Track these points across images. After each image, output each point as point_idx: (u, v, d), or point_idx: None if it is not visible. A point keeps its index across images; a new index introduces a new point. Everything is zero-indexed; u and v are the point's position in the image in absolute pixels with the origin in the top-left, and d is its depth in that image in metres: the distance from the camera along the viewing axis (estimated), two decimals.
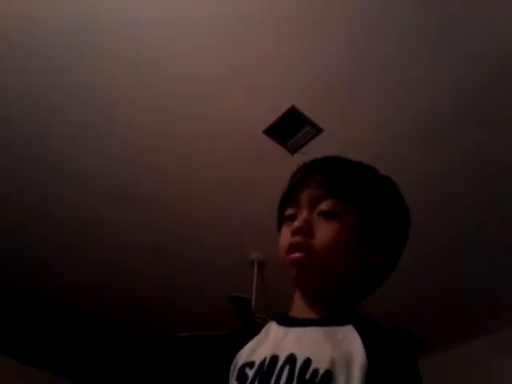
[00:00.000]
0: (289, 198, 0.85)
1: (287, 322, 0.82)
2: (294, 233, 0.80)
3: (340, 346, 0.72)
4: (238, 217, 2.41)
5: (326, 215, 0.80)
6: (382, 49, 1.84)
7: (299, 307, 0.83)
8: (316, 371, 0.69)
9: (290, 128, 2.10)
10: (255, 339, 0.84)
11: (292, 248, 0.79)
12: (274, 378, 0.72)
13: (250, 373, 0.76)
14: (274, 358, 0.74)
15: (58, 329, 3.28)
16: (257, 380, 0.74)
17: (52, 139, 2.21)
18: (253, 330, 0.85)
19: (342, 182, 0.83)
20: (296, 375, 0.70)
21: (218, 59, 1.90)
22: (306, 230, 0.79)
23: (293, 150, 2.20)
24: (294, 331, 0.78)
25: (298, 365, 0.70)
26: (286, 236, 0.83)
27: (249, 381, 0.75)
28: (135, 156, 2.26)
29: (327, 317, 0.79)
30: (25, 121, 2.14)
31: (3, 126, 2.16)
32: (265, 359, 0.75)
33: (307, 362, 0.70)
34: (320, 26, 1.79)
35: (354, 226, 0.81)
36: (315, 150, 2.18)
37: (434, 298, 2.80)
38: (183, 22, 1.81)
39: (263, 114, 2.08)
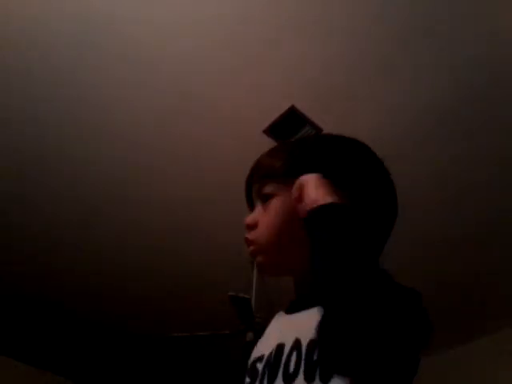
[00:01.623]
0: (246, 195, 0.90)
1: (289, 308, 0.81)
2: (246, 230, 0.83)
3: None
4: (238, 216, 2.40)
5: (264, 199, 0.82)
6: (382, 49, 1.84)
7: (294, 291, 0.83)
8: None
9: (290, 128, 2.10)
10: (265, 332, 0.83)
11: (246, 245, 0.83)
12: (281, 367, 0.69)
13: (260, 366, 0.74)
14: (281, 347, 0.72)
15: (57, 329, 3.29)
16: (266, 373, 0.72)
17: (52, 139, 2.21)
18: (257, 326, 0.84)
19: (270, 164, 0.83)
20: (303, 358, 0.67)
21: (217, 59, 1.91)
22: (250, 224, 0.82)
23: None
24: (294, 317, 0.76)
25: (304, 348, 0.68)
26: None
27: (259, 375, 0.73)
28: (135, 155, 2.26)
29: (313, 296, 0.73)
30: (24, 120, 2.14)
31: (3, 125, 2.16)
32: (272, 350, 0.73)
33: (311, 343, 0.67)
34: (320, 26, 1.79)
35: (284, 201, 0.79)
36: None
37: (433, 297, 2.79)
38: (183, 22, 1.81)
39: (263, 113, 2.08)
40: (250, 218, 0.83)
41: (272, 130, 2.12)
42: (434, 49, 1.82)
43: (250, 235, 0.82)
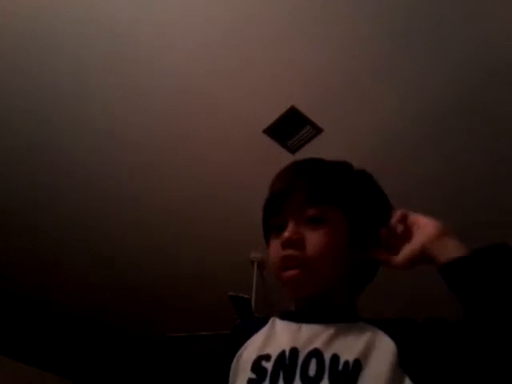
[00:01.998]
0: (273, 207, 0.85)
1: (294, 317, 0.82)
2: (285, 245, 0.80)
3: (360, 339, 0.75)
4: (238, 216, 2.41)
5: (313, 222, 0.80)
6: (382, 49, 1.84)
7: (298, 304, 0.84)
8: (347, 362, 0.72)
9: (290, 128, 2.10)
10: (261, 333, 0.84)
11: (285, 262, 0.80)
12: (298, 370, 0.73)
13: (268, 365, 0.76)
14: (295, 351, 0.75)
15: (57, 329, 3.29)
16: (281, 372, 0.74)
17: (52, 138, 2.21)
18: (246, 325, 0.86)
19: (324, 186, 0.83)
20: (327, 367, 0.72)
21: (218, 59, 1.91)
22: (296, 241, 0.79)
23: (293, 150, 2.20)
24: (308, 327, 0.79)
25: (327, 359, 0.72)
26: (276, 249, 0.83)
27: (269, 373, 0.75)
28: (135, 155, 2.26)
29: (333, 312, 0.81)
30: (24, 120, 2.14)
31: (3, 125, 2.16)
32: (283, 352, 0.75)
33: (335, 357, 0.72)
34: (320, 26, 1.79)
35: (342, 228, 0.82)
36: (315, 150, 2.19)
37: (433, 297, 2.80)
38: (183, 22, 1.81)
39: (263, 113, 2.08)
40: (292, 233, 0.80)
41: (272, 130, 2.12)
42: (433, 49, 1.82)
43: (298, 254, 0.79)
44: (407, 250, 0.80)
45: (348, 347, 0.73)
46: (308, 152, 2.20)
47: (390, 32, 1.79)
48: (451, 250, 0.75)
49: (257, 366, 0.77)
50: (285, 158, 2.21)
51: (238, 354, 0.81)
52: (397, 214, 0.82)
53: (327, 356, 0.73)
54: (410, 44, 1.82)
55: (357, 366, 0.71)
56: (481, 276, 0.70)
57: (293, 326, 0.81)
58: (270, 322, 0.86)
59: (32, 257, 2.80)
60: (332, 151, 2.23)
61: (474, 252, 0.72)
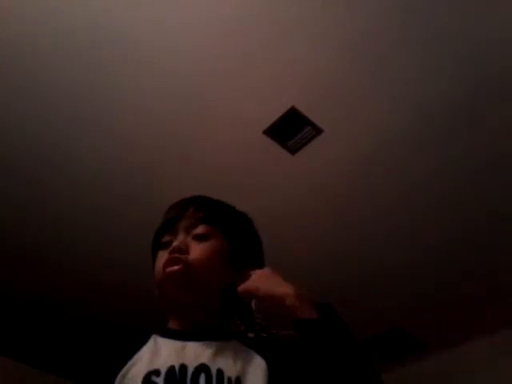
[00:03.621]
0: (167, 225, 0.99)
1: (176, 335, 0.92)
2: (172, 251, 0.92)
3: (238, 357, 0.85)
4: None
5: (199, 238, 0.94)
6: (382, 49, 1.84)
7: (176, 320, 0.96)
8: (230, 379, 0.81)
9: (290, 128, 2.10)
10: (144, 350, 0.91)
11: (168, 262, 0.90)
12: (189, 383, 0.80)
13: (159, 380, 0.81)
14: (183, 367, 0.82)
15: (57, 329, 3.29)
16: None
17: (51, 138, 2.21)
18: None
19: (210, 211, 0.99)
20: (215, 381, 0.81)
21: (217, 59, 1.91)
22: (183, 249, 0.92)
23: (293, 151, 2.20)
24: (192, 344, 0.88)
25: (214, 374, 0.81)
26: (163, 258, 0.94)
27: None
28: (134, 155, 2.26)
29: (211, 331, 0.91)
30: (24, 120, 2.14)
31: (3, 125, 2.17)
32: (173, 367, 0.82)
33: (220, 371, 0.82)
34: (320, 26, 1.79)
35: (223, 246, 0.96)
36: (315, 150, 2.19)
37: (434, 297, 2.80)
38: (183, 22, 1.81)
39: (263, 114, 2.08)
40: (180, 242, 0.93)
41: (272, 131, 2.12)
42: (433, 49, 1.82)
43: (184, 257, 0.90)
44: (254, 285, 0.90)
45: (229, 364, 0.83)
46: (308, 152, 2.20)
47: (390, 32, 1.79)
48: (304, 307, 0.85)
49: (147, 382, 0.82)
50: (285, 159, 2.22)
51: (122, 372, 0.87)
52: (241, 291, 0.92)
53: (213, 370, 0.82)
54: (410, 44, 1.82)
55: (238, 383, 0.81)
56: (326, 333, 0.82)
57: (177, 344, 0.89)
58: (152, 340, 0.94)
59: (32, 256, 2.80)
60: (332, 151, 2.25)
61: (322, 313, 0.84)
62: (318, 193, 2.35)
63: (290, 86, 1.98)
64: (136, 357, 0.90)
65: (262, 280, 0.90)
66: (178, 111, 2.08)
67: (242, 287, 0.91)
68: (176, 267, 0.89)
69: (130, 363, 0.88)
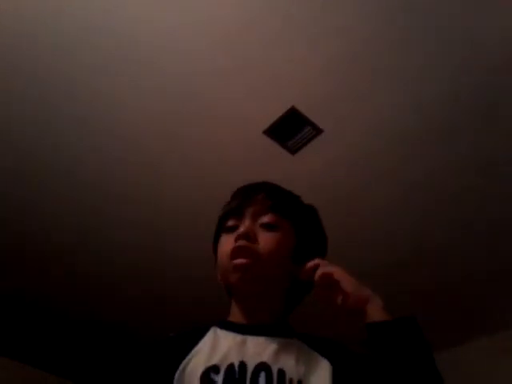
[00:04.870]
0: (234, 209, 0.95)
1: (237, 328, 0.87)
2: (239, 237, 0.87)
3: (301, 358, 0.81)
4: None
5: (268, 227, 0.90)
6: (382, 49, 1.84)
7: (238, 313, 0.91)
8: (291, 381, 0.77)
9: (290, 128, 2.10)
10: (204, 344, 0.86)
11: (237, 251, 0.86)
12: (248, 383, 0.76)
13: (218, 378, 0.77)
14: (243, 365, 0.79)
15: (57, 329, 3.29)
16: None
17: (51, 138, 2.21)
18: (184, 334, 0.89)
19: (281, 201, 0.94)
20: (275, 382, 0.76)
21: (217, 59, 1.91)
22: (251, 236, 0.87)
23: (293, 151, 2.20)
24: (252, 339, 0.84)
25: (275, 374, 0.77)
26: (228, 243, 0.90)
27: None
28: (134, 155, 2.27)
29: (274, 327, 0.87)
30: (24, 120, 2.14)
31: (3, 124, 2.17)
32: (232, 364, 0.79)
33: (281, 372, 0.78)
34: (320, 26, 1.79)
35: (290, 238, 0.91)
36: (315, 150, 2.19)
37: (434, 297, 2.80)
38: (183, 22, 1.81)
39: (263, 113, 2.08)
40: (248, 228, 0.88)
41: (272, 131, 2.12)
42: (433, 49, 1.82)
43: (251, 245, 0.86)
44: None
45: (291, 365, 0.79)
46: (308, 152, 2.20)
47: (391, 32, 1.79)
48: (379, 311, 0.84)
49: (206, 379, 0.78)
50: (285, 159, 2.22)
51: (182, 365, 0.82)
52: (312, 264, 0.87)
53: (274, 370, 0.78)
54: (410, 44, 1.82)
55: None
56: (397, 342, 0.80)
57: (237, 338, 0.85)
58: (211, 331, 0.90)
59: (32, 256, 2.80)
60: (332, 151, 2.25)
61: (395, 320, 0.83)
62: (318, 193, 2.35)
63: (290, 85, 1.98)
64: (196, 349, 0.85)
65: (345, 273, 0.85)
66: (178, 111, 2.08)
67: (326, 270, 0.84)
68: (245, 260, 0.85)
69: (187, 358, 0.83)
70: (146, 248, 2.70)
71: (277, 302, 0.90)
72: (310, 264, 0.86)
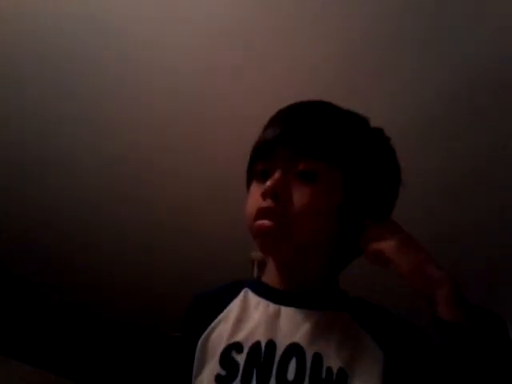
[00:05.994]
0: (263, 150, 0.75)
1: (272, 295, 0.72)
2: (265, 195, 0.69)
3: (345, 340, 0.65)
4: (238, 216, 2.40)
5: (304, 177, 0.70)
6: (382, 49, 1.84)
7: (275, 276, 0.74)
8: (330, 370, 0.62)
9: None
10: (232, 310, 0.72)
11: (260, 214, 0.69)
12: (275, 370, 0.63)
13: (240, 358, 0.65)
14: (272, 345, 0.65)
15: (57, 329, 3.29)
16: (254, 370, 0.63)
17: (52, 138, 2.22)
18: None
19: (326, 139, 0.72)
20: (308, 372, 0.62)
21: (217, 59, 1.91)
22: (279, 193, 0.68)
23: None
24: (288, 312, 0.68)
25: (309, 360, 0.63)
26: (255, 197, 0.72)
27: (241, 370, 0.64)
28: (134, 155, 2.27)
29: (317, 295, 0.71)
30: (25, 118, 2.14)
31: (3, 124, 2.17)
32: (258, 343, 0.65)
33: (317, 357, 0.63)
34: (320, 25, 1.79)
35: (336, 192, 0.70)
36: None
37: None
38: (183, 22, 1.81)
39: (263, 114, 2.07)
40: (275, 183, 0.68)
41: None
42: (433, 48, 1.82)
43: (278, 208, 0.67)
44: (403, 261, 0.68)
45: (332, 348, 0.64)
46: None
47: (391, 32, 1.79)
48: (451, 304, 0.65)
49: (226, 359, 0.65)
50: None
51: (205, 334, 0.70)
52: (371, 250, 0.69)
53: (309, 355, 0.63)
54: (410, 44, 1.82)
55: (341, 377, 0.61)
56: (474, 345, 0.61)
57: (270, 307, 0.70)
58: (242, 294, 0.74)
59: (32, 256, 2.80)
60: None
61: (473, 320, 0.64)
62: None
63: (290, 85, 1.98)
64: (222, 315, 0.71)
65: (405, 246, 0.69)
66: (178, 110, 2.08)
67: (374, 247, 0.67)
68: (267, 224, 0.67)
69: (211, 325, 0.70)
70: (145, 246, 2.70)
71: (319, 267, 0.73)
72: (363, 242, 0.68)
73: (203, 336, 0.69)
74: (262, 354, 0.64)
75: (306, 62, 1.90)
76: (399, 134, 2.26)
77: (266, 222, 0.67)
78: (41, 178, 2.37)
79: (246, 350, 0.65)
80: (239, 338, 0.67)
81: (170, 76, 1.97)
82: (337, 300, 0.72)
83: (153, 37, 1.85)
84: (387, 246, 0.67)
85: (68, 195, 2.45)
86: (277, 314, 0.68)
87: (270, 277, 0.75)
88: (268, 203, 0.68)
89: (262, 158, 0.75)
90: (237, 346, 0.66)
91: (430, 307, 0.65)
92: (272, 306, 0.70)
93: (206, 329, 0.70)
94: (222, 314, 0.71)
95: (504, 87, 1.91)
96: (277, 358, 0.63)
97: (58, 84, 2.01)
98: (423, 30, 1.78)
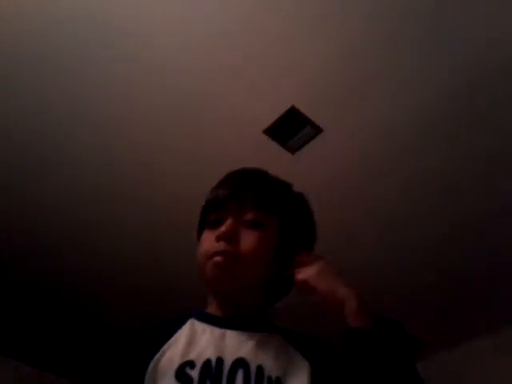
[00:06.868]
0: (217, 203, 0.90)
1: (216, 321, 0.85)
2: (219, 238, 0.84)
3: (280, 355, 0.79)
4: None
5: (252, 225, 0.86)
6: (382, 49, 1.84)
7: (217, 307, 0.88)
8: (270, 379, 0.75)
9: (290, 128, 2.10)
10: (180, 336, 0.83)
11: (217, 255, 0.84)
12: (225, 380, 0.74)
13: (194, 373, 0.75)
14: (220, 360, 0.76)
15: (57, 328, 3.29)
16: (207, 382, 0.74)
17: (51, 136, 2.21)
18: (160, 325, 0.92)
19: (269, 195, 0.89)
20: (254, 381, 0.74)
21: (217, 59, 1.91)
22: (232, 237, 0.84)
23: (293, 150, 2.20)
24: (232, 334, 0.81)
25: (253, 371, 0.75)
26: (209, 241, 0.87)
27: (195, 382, 0.74)
28: (135, 154, 2.26)
29: (254, 321, 0.85)
30: (25, 118, 2.14)
31: (3, 124, 2.17)
32: (209, 360, 0.76)
33: (260, 369, 0.76)
34: (320, 25, 1.79)
35: (275, 237, 0.87)
36: (315, 150, 2.19)
37: (434, 297, 2.80)
38: (183, 21, 1.81)
39: (263, 114, 2.08)
40: (230, 228, 0.84)
41: (272, 130, 2.12)
42: (433, 48, 1.82)
43: (231, 249, 0.83)
44: (319, 283, 0.82)
45: (271, 361, 0.77)
46: (308, 152, 2.20)
47: (391, 31, 1.79)
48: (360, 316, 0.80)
49: (181, 374, 0.75)
50: (285, 158, 2.22)
51: (156, 358, 0.79)
52: (299, 279, 0.84)
53: (253, 367, 0.76)
54: (411, 44, 1.82)
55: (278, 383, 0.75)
56: (379, 349, 0.76)
57: (216, 331, 0.82)
58: (189, 323, 0.87)
59: (32, 255, 2.80)
60: (332, 151, 2.25)
61: (377, 326, 0.79)
62: (318, 193, 2.35)
63: (290, 85, 1.98)
64: (171, 341, 0.82)
65: (322, 274, 0.82)
66: (178, 110, 2.08)
67: (300, 278, 0.82)
68: (222, 263, 0.82)
69: (161, 350, 0.80)
70: (145, 246, 2.70)
71: (256, 297, 0.88)
72: (298, 276, 0.85)
73: (154, 359, 0.78)
74: (212, 369, 0.75)
75: (306, 62, 1.90)
76: (399, 134, 2.28)
77: (220, 258, 0.83)
78: (41, 178, 2.37)
79: (198, 366, 0.76)
80: (191, 357, 0.78)
81: (170, 76, 1.97)
82: (269, 325, 0.87)
83: (153, 37, 1.85)
84: (309, 276, 0.82)
85: (68, 195, 2.45)
86: (222, 336, 0.81)
87: (212, 308, 0.89)
88: (222, 245, 0.84)
89: (217, 209, 0.90)
90: (190, 364, 0.77)
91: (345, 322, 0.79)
92: (217, 330, 0.82)
93: (156, 353, 0.79)
94: (170, 340, 0.82)
95: (504, 87, 1.91)
96: (225, 371, 0.75)
97: (58, 84, 2.01)
98: (423, 30, 1.78)
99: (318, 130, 2.11)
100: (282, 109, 2.04)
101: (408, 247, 2.53)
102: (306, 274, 0.82)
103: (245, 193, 0.89)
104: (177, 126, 2.14)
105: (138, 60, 1.92)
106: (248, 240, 0.84)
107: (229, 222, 0.85)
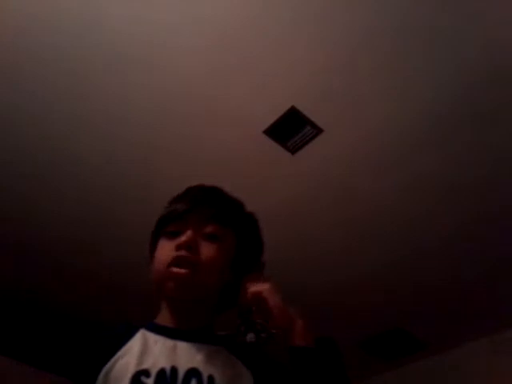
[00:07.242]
0: (176, 215, 0.94)
1: (165, 332, 0.89)
2: (180, 247, 0.88)
3: (227, 365, 0.85)
4: None
5: (210, 237, 0.91)
6: (382, 49, 1.84)
7: (169, 317, 0.92)
8: None
9: (290, 128, 2.10)
10: (132, 346, 0.86)
11: (177, 261, 0.87)
12: None
13: (149, 381, 0.79)
14: (174, 370, 0.81)
15: (58, 328, 3.29)
16: None
17: (50, 137, 2.21)
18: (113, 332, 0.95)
19: (226, 211, 0.95)
20: None
21: (218, 59, 1.91)
22: (192, 246, 0.88)
23: (293, 150, 2.20)
24: (183, 345, 0.86)
25: (205, 380, 0.81)
26: (167, 249, 0.90)
27: None
28: (135, 155, 2.26)
29: (203, 333, 0.90)
30: (25, 119, 2.14)
31: (3, 124, 2.17)
32: (163, 369, 0.80)
33: (211, 378, 0.81)
34: (320, 25, 1.79)
35: (231, 249, 0.93)
36: (315, 150, 2.19)
37: (433, 297, 2.80)
38: (184, 22, 1.81)
39: (263, 113, 2.08)
40: (191, 238, 0.88)
41: (272, 131, 2.12)
42: (433, 49, 1.82)
43: (192, 257, 0.87)
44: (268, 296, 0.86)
45: (219, 371, 0.83)
46: (308, 152, 2.20)
47: (391, 32, 1.79)
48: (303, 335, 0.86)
49: (137, 382, 0.79)
50: (285, 159, 2.22)
51: (108, 365, 0.82)
52: (252, 291, 0.88)
53: (205, 376, 0.81)
54: (410, 44, 1.82)
55: None
56: (318, 363, 0.83)
57: (167, 342, 0.86)
58: (140, 333, 0.90)
59: (32, 255, 2.80)
60: (332, 151, 2.25)
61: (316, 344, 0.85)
62: (318, 193, 2.35)
63: (290, 85, 1.98)
64: (123, 350, 0.85)
65: (274, 291, 0.87)
66: (178, 111, 2.08)
67: (254, 289, 0.87)
68: (183, 270, 0.86)
69: (116, 356, 0.83)
70: (145, 246, 2.70)
71: (208, 309, 0.93)
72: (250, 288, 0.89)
73: (106, 367, 0.82)
74: (167, 377, 0.80)
75: (306, 63, 1.90)
76: (399, 134, 2.28)
77: (182, 269, 0.86)
78: (41, 177, 2.37)
79: (153, 375, 0.80)
80: (146, 366, 0.81)
81: (171, 76, 1.97)
82: (215, 338, 0.92)
83: (153, 37, 1.85)
84: (264, 288, 0.87)
85: (68, 195, 2.45)
86: (174, 347, 0.85)
87: (164, 318, 0.93)
88: (183, 252, 0.87)
89: (176, 221, 0.93)
90: (145, 372, 0.80)
91: (286, 339, 0.85)
92: (169, 341, 0.87)
93: (108, 361, 0.82)
94: (122, 350, 0.85)
95: (504, 87, 1.91)
96: (180, 380, 0.80)
97: (58, 84, 2.01)
98: (423, 30, 1.78)
99: (318, 130, 2.11)
100: (282, 109, 2.04)
101: (408, 247, 2.53)
102: (259, 287, 0.87)
103: (205, 207, 0.93)
104: (177, 127, 2.14)
105: (137, 61, 1.92)
106: (207, 251, 0.88)
107: (189, 232, 0.89)
